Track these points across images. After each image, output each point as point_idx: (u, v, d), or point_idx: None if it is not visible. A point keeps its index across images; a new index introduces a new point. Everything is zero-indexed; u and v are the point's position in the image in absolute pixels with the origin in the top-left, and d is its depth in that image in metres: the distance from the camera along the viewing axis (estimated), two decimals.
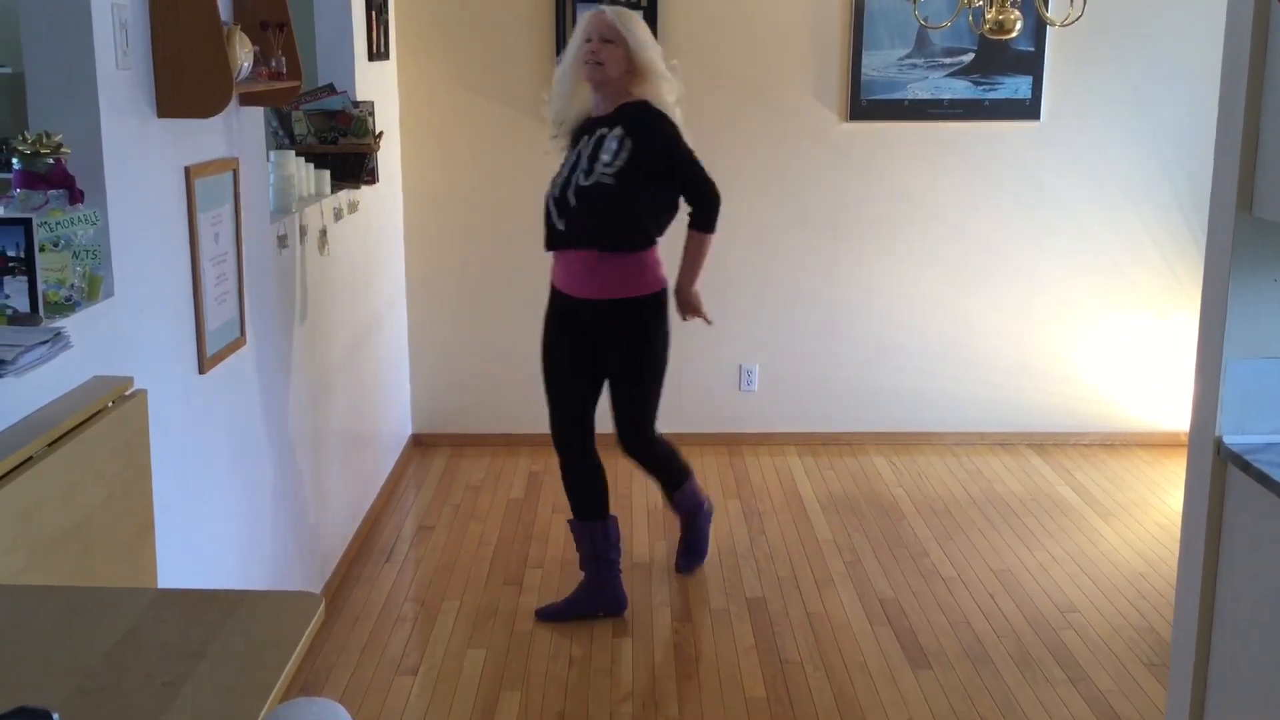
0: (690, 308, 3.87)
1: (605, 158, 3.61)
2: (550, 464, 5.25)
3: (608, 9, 3.71)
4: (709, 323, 3.98)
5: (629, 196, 3.62)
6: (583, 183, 3.62)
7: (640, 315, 3.76)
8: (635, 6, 5.11)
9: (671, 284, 3.84)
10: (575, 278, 3.74)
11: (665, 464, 4.06)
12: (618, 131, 3.62)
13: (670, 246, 3.82)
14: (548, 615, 3.83)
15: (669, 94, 3.74)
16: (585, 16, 3.72)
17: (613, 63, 3.64)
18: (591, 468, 3.88)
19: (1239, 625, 2.47)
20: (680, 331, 5.41)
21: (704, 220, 3.76)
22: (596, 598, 3.83)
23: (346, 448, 4.31)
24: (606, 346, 3.79)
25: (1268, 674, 2.35)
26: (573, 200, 3.64)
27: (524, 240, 5.39)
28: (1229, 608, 2.50)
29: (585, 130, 3.73)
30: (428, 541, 4.46)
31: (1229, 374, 2.48)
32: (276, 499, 3.48)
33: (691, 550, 4.18)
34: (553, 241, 3.76)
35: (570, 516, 3.91)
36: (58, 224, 2.21)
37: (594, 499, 3.86)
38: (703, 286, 3.89)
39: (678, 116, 3.74)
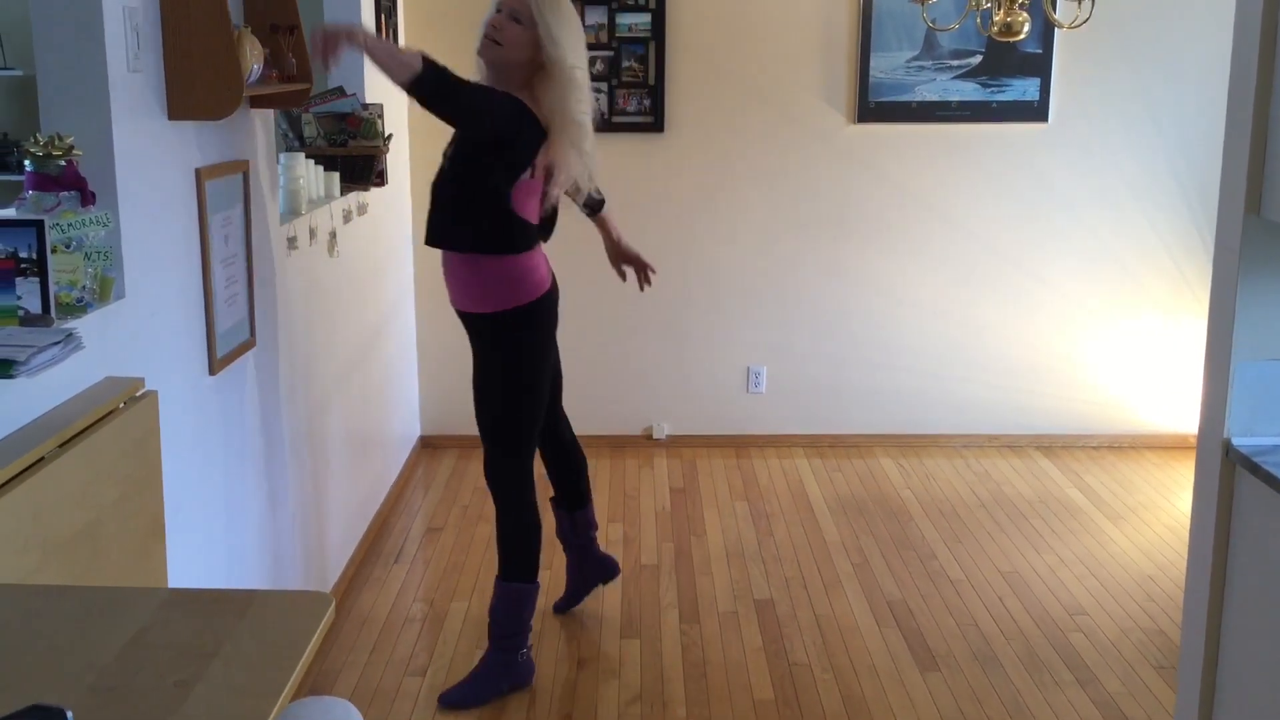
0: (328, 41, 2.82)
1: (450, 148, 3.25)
2: None
3: None
4: (645, 275, 3.71)
5: (467, 185, 3.18)
6: (448, 154, 3.30)
7: (488, 329, 3.35)
8: (644, 9, 5.12)
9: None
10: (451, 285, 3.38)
11: (510, 536, 3.46)
12: None
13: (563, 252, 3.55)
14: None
15: (575, 105, 3.15)
16: None
17: (513, 46, 3.12)
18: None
19: (1248, 628, 2.47)
20: (688, 334, 5.44)
21: (434, 79, 2.95)
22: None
23: (355, 449, 4.32)
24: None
25: (1277, 677, 2.35)
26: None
27: None
28: (1238, 610, 2.50)
29: None
30: (436, 543, 4.46)
31: (1238, 376, 2.48)
32: (285, 501, 3.49)
33: (466, 677, 3.41)
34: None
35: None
36: (69, 226, 2.22)
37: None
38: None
39: (587, 134, 3.22)
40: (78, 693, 1.30)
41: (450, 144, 3.26)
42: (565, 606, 3.89)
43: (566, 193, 3.38)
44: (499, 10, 3.17)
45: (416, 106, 5.10)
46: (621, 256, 3.79)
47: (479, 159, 3.15)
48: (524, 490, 3.44)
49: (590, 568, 3.90)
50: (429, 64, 2.91)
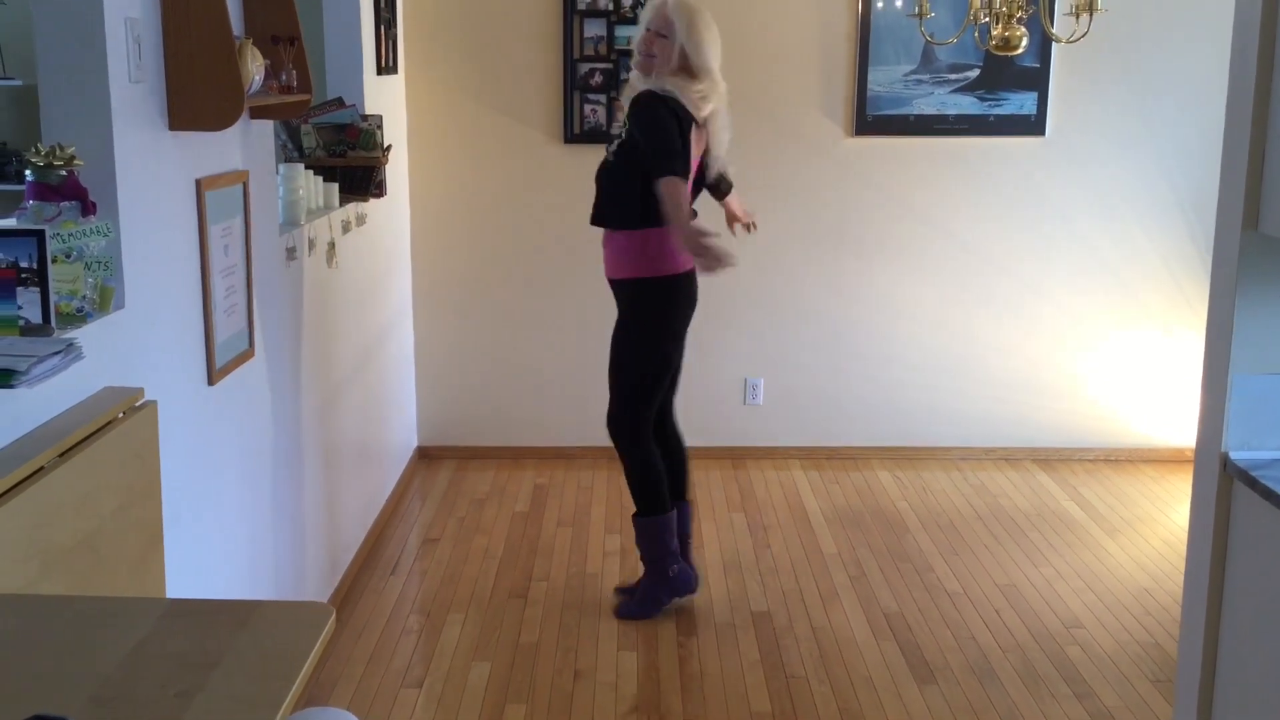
0: (696, 251, 3.49)
1: (613, 140, 3.75)
2: (555, 476, 5.27)
3: (670, 0, 3.69)
4: (747, 227, 4.18)
5: (622, 176, 3.69)
6: (608, 155, 3.77)
7: (628, 295, 3.83)
8: None
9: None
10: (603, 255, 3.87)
11: (636, 477, 3.92)
12: (628, 113, 3.71)
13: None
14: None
15: (711, 93, 3.71)
16: (650, 4, 3.73)
17: (664, 58, 3.66)
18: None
19: (1245, 641, 2.47)
20: (686, 345, 5.43)
21: (654, 169, 3.59)
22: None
23: (353, 460, 4.32)
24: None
25: (1274, 690, 2.35)
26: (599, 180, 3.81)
27: (531, 253, 5.42)
28: (1235, 624, 2.50)
29: None
30: (433, 554, 4.46)
31: (1235, 390, 2.49)
32: (283, 510, 3.49)
33: (634, 596, 3.99)
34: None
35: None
36: (70, 235, 2.22)
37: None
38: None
39: (723, 119, 3.81)
40: (79, 703, 1.30)
41: (615, 141, 3.76)
42: (626, 606, 4.01)
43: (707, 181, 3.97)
44: (647, 29, 3.69)
45: (415, 119, 5.16)
46: (733, 219, 4.26)
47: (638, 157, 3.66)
48: (645, 438, 3.92)
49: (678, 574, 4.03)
50: (656, 167, 3.60)
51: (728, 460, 5.49)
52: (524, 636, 3.80)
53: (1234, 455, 2.49)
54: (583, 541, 4.57)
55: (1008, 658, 3.68)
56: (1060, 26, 4.91)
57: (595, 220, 3.82)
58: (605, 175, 3.78)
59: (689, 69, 3.68)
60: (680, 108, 3.65)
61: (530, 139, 5.28)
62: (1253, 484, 2.39)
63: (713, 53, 3.71)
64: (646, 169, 3.60)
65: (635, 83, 3.75)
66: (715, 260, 3.42)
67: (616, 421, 3.91)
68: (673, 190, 3.55)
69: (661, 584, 3.92)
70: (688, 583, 3.96)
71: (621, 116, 3.75)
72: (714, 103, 3.73)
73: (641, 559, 3.97)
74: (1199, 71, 5.15)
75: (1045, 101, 5.24)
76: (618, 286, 3.84)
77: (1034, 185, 5.34)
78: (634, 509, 3.94)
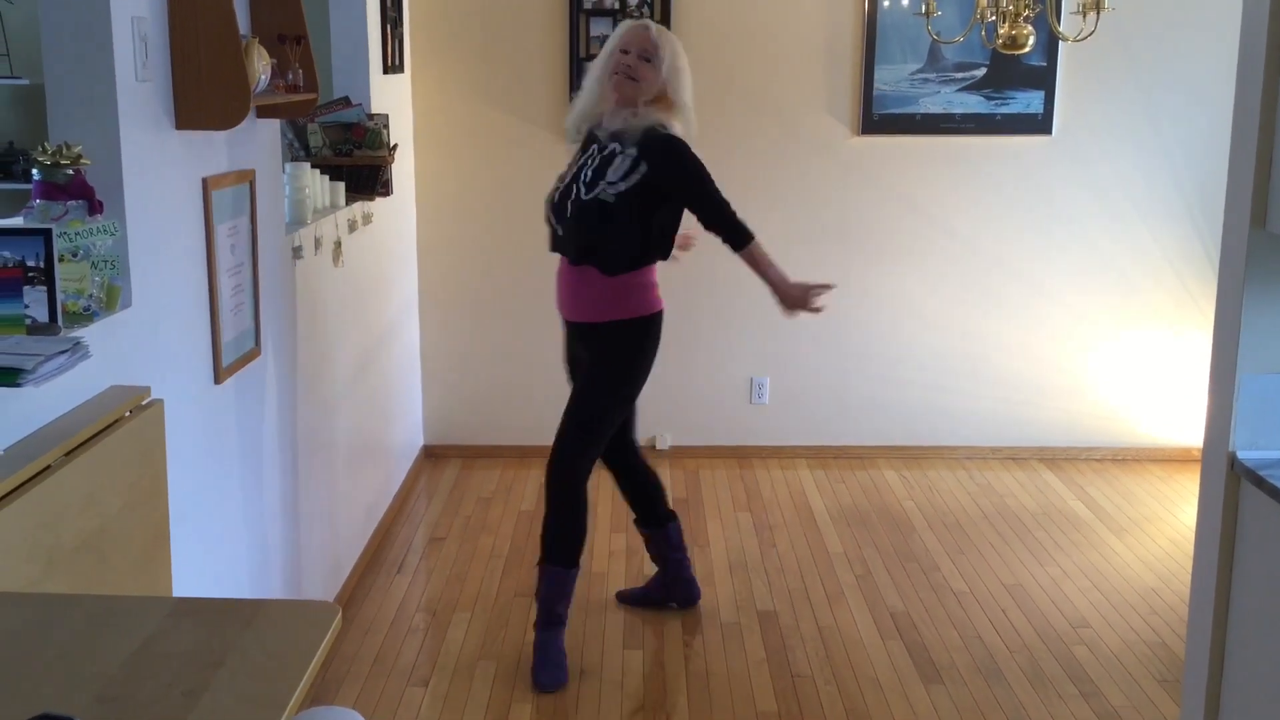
0: (798, 302, 3.63)
1: (612, 177, 3.47)
2: None
3: (652, 25, 3.57)
4: (827, 288, 3.75)
5: (625, 219, 3.48)
6: (583, 196, 3.50)
7: (608, 337, 3.61)
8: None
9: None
10: (565, 294, 3.66)
11: (567, 524, 3.65)
12: (631, 154, 3.47)
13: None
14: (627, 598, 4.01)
15: (683, 129, 3.57)
16: (627, 25, 3.59)
17: (648, 83, 3.50)
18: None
19: (1252, 641, 2.46)
20: (691, 344, 5.45)
21: (735, 241, 3.56)
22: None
23: (358, 458, 4.33)
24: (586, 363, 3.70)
25: None
26: (570, 211, 3.52)
27: (537, 253, 5.40)
28: (1242, 623, 2.50)
29: (592, 140, 3.61)
30: (439, 553, 4.46)
31: (1243, 389, 2.48)
32: (289, 509, 3.49)
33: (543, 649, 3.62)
34: (554, 244, 3.68)
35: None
36: (77, 234, 2.22)
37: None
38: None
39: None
40: (85, 701, 1.30)
41: (597, 174, 3.51)
42: (628, 598, 4.06)
43: None
44: (626, 51, 3.51)
45: (422, 118, 5.15)
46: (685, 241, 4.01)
47: (653, 200, 3.52)
48: (585, 483, 3.73)
49: (675, 586, 4.00)
50: (740, 239, 3.60)
51: (734, 459, 5.49)
52: (530, 635, 3.80)
53: (1241, 455, 2.48)
54: (589, 541, 4.55)
55: (1014, 657, 3.67)
56: (1067, 25, 4.90)
57: (584, 260, 3.54)
58: (599, 215, 3.47)
59: (665, 101, 3.53)
60: None
61: (536, 138, 5.28)
62: (1260, 483, 2.39)
63: (689, 88, 3.60)
64: (717, 229, 3.54)
65: (615, 113, 3.54)
66: (809, 305, 3.62)
67: (568, 466, 3.63)
68: (762, 251, 3.59)
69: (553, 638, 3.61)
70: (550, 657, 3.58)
71: (599, 152, 3.53)
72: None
73: (540, 611, 3.61)
74: (1206, 70, 5.14)
75: (1052, 100, 5.22)
76: (596, 330, 3.61)
77: (1040, 184, 5.32)
78: (541, 556, 3.63)
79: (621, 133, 3.52)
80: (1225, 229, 2.54)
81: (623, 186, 3.47)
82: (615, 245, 3.52)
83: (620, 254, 3.53)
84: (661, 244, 3.63)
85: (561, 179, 3.64)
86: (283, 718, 1.25)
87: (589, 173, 3.52)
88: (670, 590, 4.00)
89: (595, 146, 3.58)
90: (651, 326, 3.65)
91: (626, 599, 4.05)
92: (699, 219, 3.58)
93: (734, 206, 3.55)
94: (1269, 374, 2.48)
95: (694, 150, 3.55)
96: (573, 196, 3.53)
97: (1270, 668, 2.39)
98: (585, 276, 3.56)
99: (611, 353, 3.62)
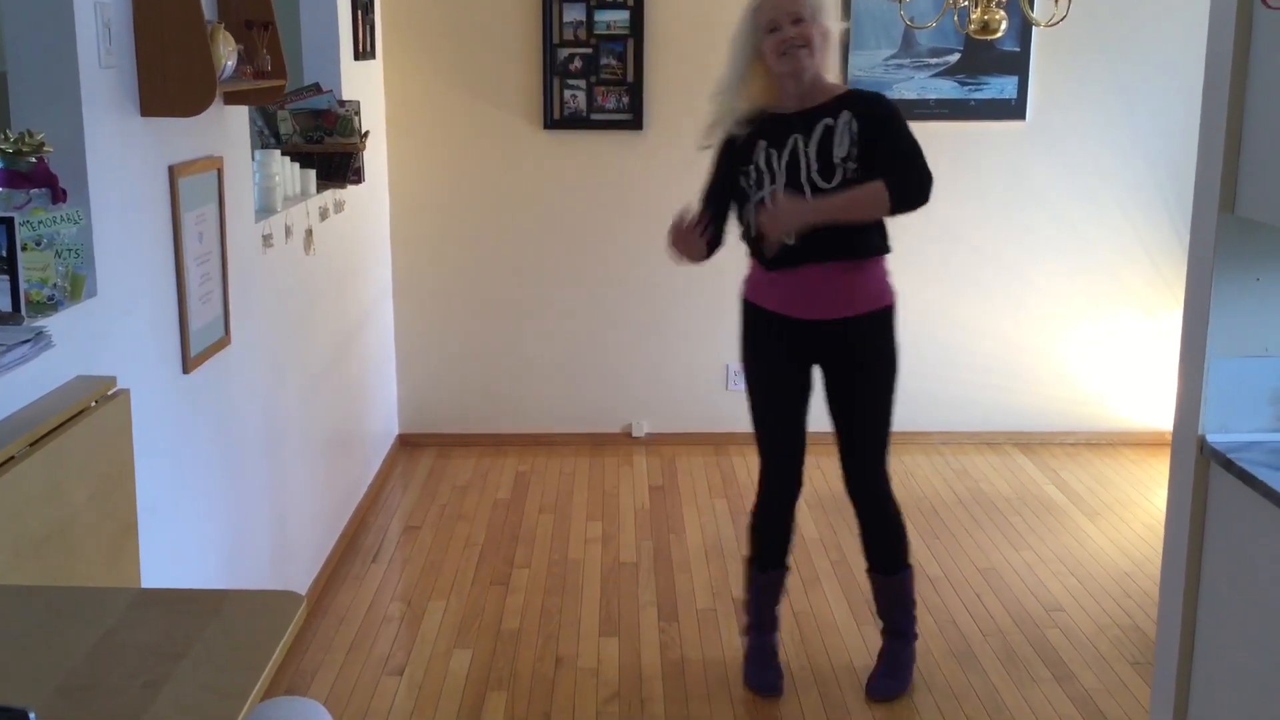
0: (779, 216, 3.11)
1: (840, 153, 3.10)
2: (537, 464, 5.26)
3: None
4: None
5: None
6: (824, 185, 3.11)
7: (886, 325, 3.34)
8: (622, 6, 5.12)
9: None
10: (811, 295, 3.23)
11: (902, 524, 3.49)
12: (845, 118, 3.11)
13: None
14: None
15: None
16: (756, 5, 3.17)
17: (820, 47, 3.10)
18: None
19: (1222, 622, 2.48)
20: (667, 331, 5.44)
21: (900, 193, 3.10)
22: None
23: (332, 448, 4.31)
24: (843, 367, 3.34)
25: (1251, 671, 2.36)
26: None
27: (511, 239, 5.40)
28: (1212, 606, 2.51)
29: (771, 131, 3.17)
30: (414, 542, 4.45)
31: (1212, 372, 2.49)
32: (261, 499, 3.47)
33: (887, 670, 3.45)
34: (783, 259, 3.20)
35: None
36: (40, 223, 2.20)
37: None
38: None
39: None
40: (45, 693, 1.29)
41: (823, 157, 3.12)
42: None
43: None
44: (775, 28, 3.10)
45: (394, 104, 5.09)
46: None
47: (870, 158, 3.14)
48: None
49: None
50: (905, 198, 3.11)
51: (710, 445, 5.49)
52: (505, 624, 3.80)
53: (1211, 438, 2.49)
54: (564, 529, 4.56)
55: (988, 641, 3.69)
56: (1040, 10, 4.90)
57: (844, 254, 3.18)
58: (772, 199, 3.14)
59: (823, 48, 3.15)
60: None
61: (510, 125, 5.25)
62: (1229, 466, 2.40)
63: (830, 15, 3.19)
64: (905, 175, 3.11)
65: (793, 91, 3.15)
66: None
67: (885, 475, 3.42)
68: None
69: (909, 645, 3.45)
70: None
71: (806, 136, 3.13)
72: None
73: (892, 620, 3.44)
74: (1179, 54, 5.16)
75: (1026, 86, 5.23)
76: (876, 320, 3.29)
77: (1015, 169, 5.33)
78: (899, 561, 3.44)
79: (820, 106, 3.15)
80: (1194, 214, 2.54)
81: (855, 155, 3.11)
82: (873, 226, 3.22)
83: (878, 232, 3.25)
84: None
85: (755, 187, 3.20)
86: (244, 708, 1.24)
87: (813, 162, 3.12)
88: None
89: (797, 136, 3.14)
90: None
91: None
92: (892, 163, 3.11)
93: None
94: (1238, 358, 2.49)
95: None
96: (809, 195, 3.13)
97: (1240, 649, 2.41)
98: (836, 269, 3.20)
99: (888, 343, 3.34)
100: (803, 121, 3.15)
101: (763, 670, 3.43)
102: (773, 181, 3.15)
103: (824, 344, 3.30)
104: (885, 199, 3.09)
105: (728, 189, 3.31)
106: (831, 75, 3.24)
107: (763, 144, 3.18)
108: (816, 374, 3.39)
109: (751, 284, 3.41)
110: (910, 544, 3.48)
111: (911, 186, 3.12)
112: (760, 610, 3.48)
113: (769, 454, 3.45)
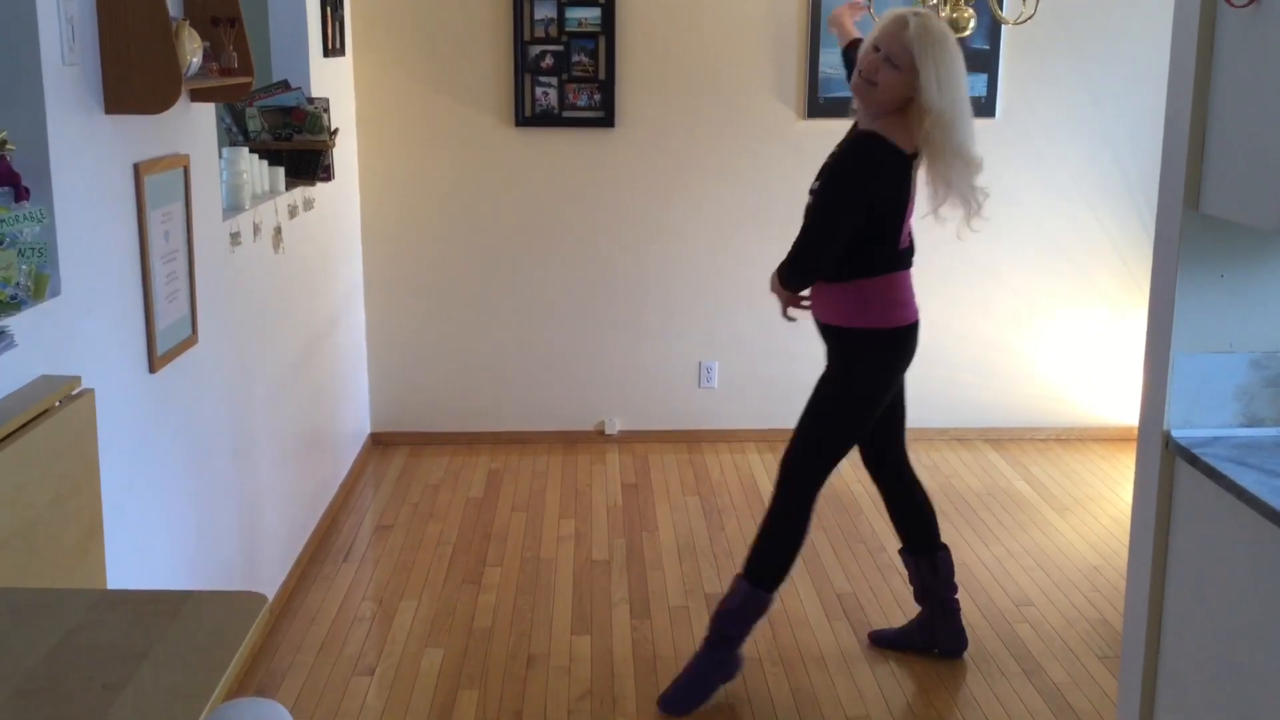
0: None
1: (814, 184, 3.31)
2: (510, 462, 5.25)
3: (913, 20, 3.06)
4: (785, 317, 3.54)
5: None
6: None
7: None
8: (593, 3, 5.11)
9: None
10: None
11: (783, 538, 3.36)
12: (833, 153, 3.32)
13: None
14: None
15: (961, 142, 3.11)
16: (888, 16, 3.13)
17: (886, 90, 3.08)
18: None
19: (1187, 616, 2.50)
20: (640, 328, 5.44)
21: (785, 272, 3.35)
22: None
23: (303, 447, 4.28)
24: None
25: (1216, 663, 2.38)
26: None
27: (483, 237, 5.38)
28: (1178, 599, 2.53)
29: None
30: (386, 541, 4.43)
31: (1177, 368, 2.51)
32: (231, 499, 3.45)
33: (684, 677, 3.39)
34: (908, 257, 3.42)
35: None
36: (2, 221, 2.17)
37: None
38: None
39: (977, 168, 3.19)
40: (4, 696, 1.28)
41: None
42: (883, 640, 3.64)
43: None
44: (876, 49, 3.10)
45: (364, 102, 5.06)
46: None
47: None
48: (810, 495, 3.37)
49: (943, 630, 3.57)
50: (783, 269, 3.35)
51: (683, 443, 5.49)
52: (477, 622, 3.79)
53: (1176, 433, 2.51)
54: (537, 527, 4.56)
55: None
56: (1009, 8, 4.93)
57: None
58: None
59: (915, 107, 3.10)
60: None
61: (481, 122, 5.24)
62: (1194, 461, 2.42)
63: (958, 104, 3.11)
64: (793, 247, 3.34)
65: (869, 115, 3.22)
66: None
67: (788, 485, 3.39)
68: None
69: (718, 664, 3.36)
70: (736, 669, 3.38)
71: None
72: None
73: (712, 628, 3.37)
74: (1147, 52, 5.19)
75: (995, 83, 5.26)
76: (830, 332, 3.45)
77: (985, 166, 5.33)
78: (746, 569, 3.35)
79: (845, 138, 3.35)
80: (1159, 210, 2.56)
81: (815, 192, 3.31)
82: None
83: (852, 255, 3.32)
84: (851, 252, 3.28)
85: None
86: (205, 709, 1.23)
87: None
88: (935, 633, 3.57)
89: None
90: (887, 343, 3.45)
91: (882, 641, 3.63)
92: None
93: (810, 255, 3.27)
94: (1203, 353, 2.51)
95: (903, 178, 3.18)
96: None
97: (1205, 641, 2.43)
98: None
99: (838, 357, 3.53)
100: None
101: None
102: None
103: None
104: (781, 284, 3.37)
105: None
106: (937, 148, 3.16)
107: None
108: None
109: (897, 303, 3.34)
110: (778, 567, 3.35)
111: (785, 259, 3.31)
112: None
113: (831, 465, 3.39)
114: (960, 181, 3.20)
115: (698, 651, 3.38)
